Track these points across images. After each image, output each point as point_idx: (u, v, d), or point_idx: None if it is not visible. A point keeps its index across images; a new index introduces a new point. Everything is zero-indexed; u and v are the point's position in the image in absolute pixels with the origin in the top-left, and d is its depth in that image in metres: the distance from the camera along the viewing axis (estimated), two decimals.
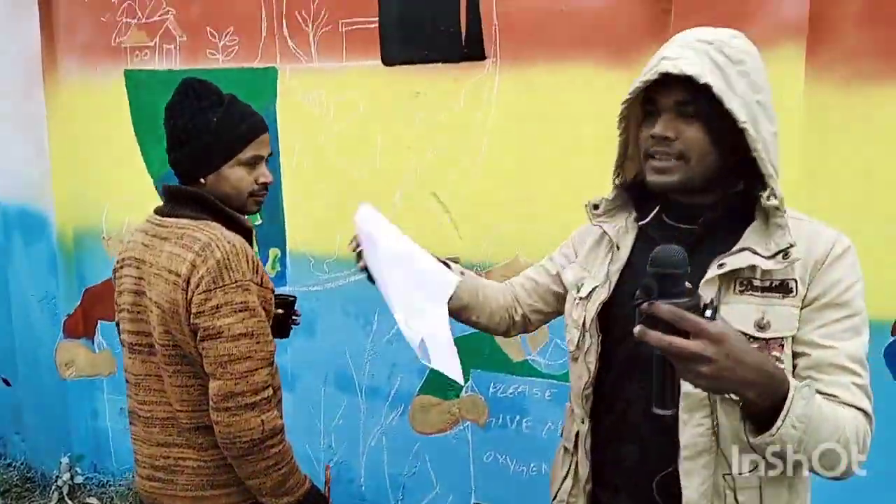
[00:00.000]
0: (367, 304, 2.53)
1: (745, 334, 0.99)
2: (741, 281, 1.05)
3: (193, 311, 1.37)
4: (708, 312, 0.83)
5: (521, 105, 2.22)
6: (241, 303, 1.38)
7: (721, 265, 1.05)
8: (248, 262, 1.41)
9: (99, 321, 3.13)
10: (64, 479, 3.15)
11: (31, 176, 3.05)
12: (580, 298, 1.23)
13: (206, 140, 1.44)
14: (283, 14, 2.51)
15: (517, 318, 1.45)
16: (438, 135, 2.34)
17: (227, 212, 1.49)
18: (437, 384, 2.50)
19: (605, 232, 1.24)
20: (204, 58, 2.69)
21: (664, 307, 0.81)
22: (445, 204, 2.38)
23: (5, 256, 3.20)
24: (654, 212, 1.17)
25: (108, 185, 2.98)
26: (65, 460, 3.19)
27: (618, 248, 1.21)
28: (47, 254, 3.08)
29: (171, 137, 1.48)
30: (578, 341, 1.22)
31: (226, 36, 2.63)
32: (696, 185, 1.09)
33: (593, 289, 1.21)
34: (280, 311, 1.77)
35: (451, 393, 2.49)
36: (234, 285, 1.38)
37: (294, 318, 1.84)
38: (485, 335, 2.36)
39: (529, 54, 2.18)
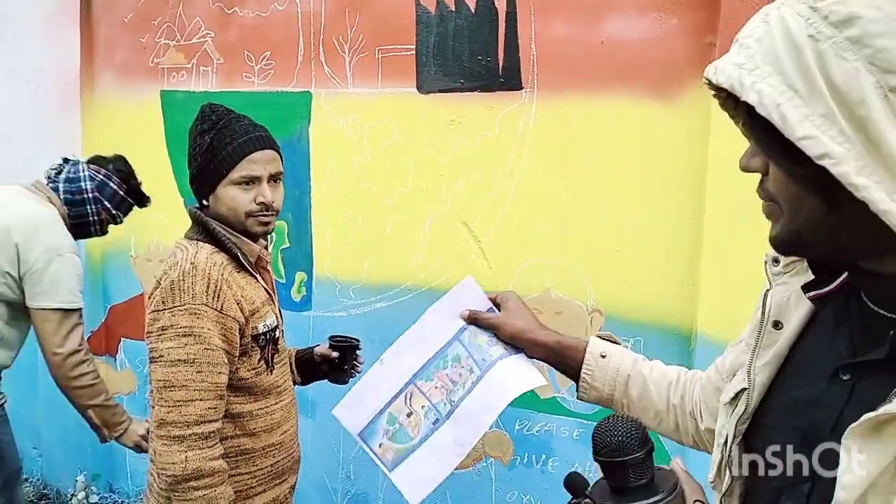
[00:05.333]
0: (392, 331, 2.45)
1: None
2: None
3: (146, 330, 1.37)
4: None
5: (556, 136, 2.19)
6: (187, 327, 1.32)
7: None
8: (207, 285, 1.35)
9: (122, 339, 3.12)
10: (79, 497, 3.13)
11: None
12: (725, 403, 0.79)
13: (200, 162, 1.47)
14: (321, 40, 2.52)
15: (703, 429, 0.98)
16: (471, 164, 2.32)
17: (217, 232, 1.45)
18: None
19: (765, 297, 0.76)
20: (239, 80, 2.70)
21: None
22: (476, 233, 2.34)
23: None
24: (839, 281, 0.68)
25: None
26: (81, 478, 3.18)
27: (777, 325, 0.74)
28: None
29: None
30: (719, 468, 0.78)
31: (262, 60, 2.65)
32: (817, 250, 0.65)
33: (739, 392, 0.75)
34: (335, 354, 1.72)
35: None
36: (181, 308, 1.33)
37: (355, 363, 1.75)
38: None
39: (566, 86, 2.16)
